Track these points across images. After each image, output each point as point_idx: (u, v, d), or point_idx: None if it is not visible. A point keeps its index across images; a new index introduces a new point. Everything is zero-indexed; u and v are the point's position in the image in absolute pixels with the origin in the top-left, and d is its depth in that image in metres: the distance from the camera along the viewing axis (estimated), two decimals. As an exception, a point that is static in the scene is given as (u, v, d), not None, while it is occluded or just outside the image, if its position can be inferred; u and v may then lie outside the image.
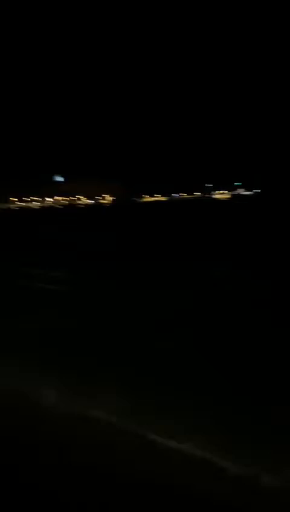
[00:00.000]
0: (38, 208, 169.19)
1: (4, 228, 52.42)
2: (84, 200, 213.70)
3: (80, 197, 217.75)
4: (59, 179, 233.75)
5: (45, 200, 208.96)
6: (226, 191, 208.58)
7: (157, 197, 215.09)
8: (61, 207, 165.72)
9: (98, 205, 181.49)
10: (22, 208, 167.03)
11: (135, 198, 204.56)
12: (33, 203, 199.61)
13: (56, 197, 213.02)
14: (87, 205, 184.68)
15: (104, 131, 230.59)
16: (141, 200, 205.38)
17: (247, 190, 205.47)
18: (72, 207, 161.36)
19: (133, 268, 16.24)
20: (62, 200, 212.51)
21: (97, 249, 24.57)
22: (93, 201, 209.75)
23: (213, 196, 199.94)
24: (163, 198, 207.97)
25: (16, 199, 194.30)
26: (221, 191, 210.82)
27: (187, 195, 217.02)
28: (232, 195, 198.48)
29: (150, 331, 8.82)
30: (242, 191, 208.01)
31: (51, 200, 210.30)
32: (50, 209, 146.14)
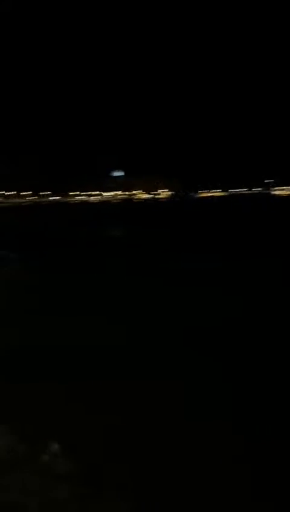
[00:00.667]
0: (95, 201, 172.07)
1: (62, 222, 53.39)
2: (141, 195, 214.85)
3: (137, 191, 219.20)
4: (118, 173, 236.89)
5: (103, 194, 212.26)
6: (286, 187, 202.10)
7: (216, 192, 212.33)
8: (117, 201, 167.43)
9: (154, 200, 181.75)
10: (80, 201, 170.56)
11: (192, 194, 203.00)
12: (91, 197, 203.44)
13: (113, 191, 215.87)
14: (143, 200, 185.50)
15: (163, 126, 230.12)
16: (198, 196, 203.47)
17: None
18: (128, 201, 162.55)
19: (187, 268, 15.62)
20: (119, 194, 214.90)
21: (150, 245, 24.28)
22: (150, 196, 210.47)
23: (273, 192, 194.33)
24: (220, 194, 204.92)
25: (75, 193, 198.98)
26: (282, 187, 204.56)
27: (246, 190, 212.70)
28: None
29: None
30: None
31: (109, 194, 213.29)
32: (106, 203, 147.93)
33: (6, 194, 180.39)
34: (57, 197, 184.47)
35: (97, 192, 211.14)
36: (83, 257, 20.28)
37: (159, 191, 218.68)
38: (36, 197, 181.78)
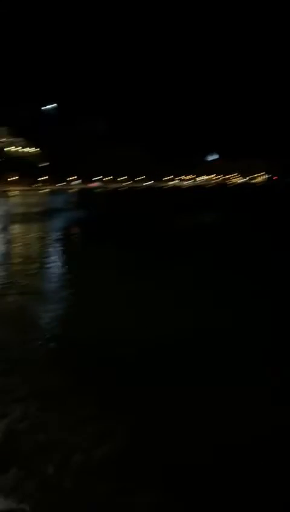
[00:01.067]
0: (188, 186, 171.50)
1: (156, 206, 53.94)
2: (236, 179, 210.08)
3: (233, 175, 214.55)
4: (213, 157, 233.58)
5: (197, 178, 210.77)
6: None
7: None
8: (211, 185, 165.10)
9: (249, 184, 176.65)
10: (173, 186, 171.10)
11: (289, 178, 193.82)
12: (185, 182, 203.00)
13: (208, 175, 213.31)
14: (238, 184, 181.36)
15: (260, 109, 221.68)
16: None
17: None
18: (223, 185, 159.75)
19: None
20: (214, 178, 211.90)
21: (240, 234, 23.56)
22: (245, 180, 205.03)
23: None
24: None
25: (169, 178, 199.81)
26: None
27: None
28: None
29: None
30: None
31: (203, 178, 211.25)
32: (198, 187, 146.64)
33: (104, 179, 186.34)
34: (151, 182, 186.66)
35: (191, 177, 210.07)
36: (171, 246, 20.14)
37: (256, 174, 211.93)
38: (131, 182, 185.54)
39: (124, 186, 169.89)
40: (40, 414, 5.15)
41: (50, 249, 19.80)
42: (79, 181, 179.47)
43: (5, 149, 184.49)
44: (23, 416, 5.08)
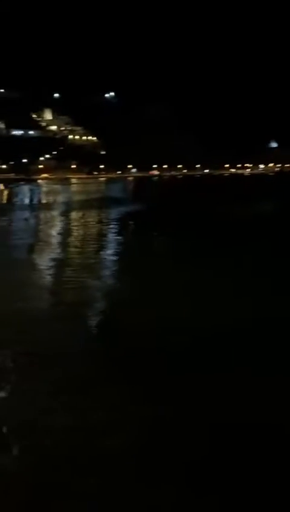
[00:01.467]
0: (248, 174, 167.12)
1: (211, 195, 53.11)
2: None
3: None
4: (274, 145, 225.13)
5: (257, 166, 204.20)
6: None
7: None
8: (272, 174, 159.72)
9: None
10: (231, 174, 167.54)
11: None
12: (245, 170, 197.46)
13: (266, 164, 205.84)
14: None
15: None
16: None
17: None
18: (283, 174, 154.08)
19: None
20: (275, 166, 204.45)
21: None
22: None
23: None
24: None
25: (229, 166, 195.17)
26: None
27: None
28: None
29: None
30: None
31: (263, 166, 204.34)
32: (259, 176, 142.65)
33: (161, 167, 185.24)
34: (206, 171, 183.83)
35: (249, 165, 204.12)
36: (230, 234, 19.53)
37: None
38: (186, 170, 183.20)
39: (181, 174, 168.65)
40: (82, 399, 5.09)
41: (108, 236, 20.01)
42: (136, 169, 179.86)
43: (69, 136, 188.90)
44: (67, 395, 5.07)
